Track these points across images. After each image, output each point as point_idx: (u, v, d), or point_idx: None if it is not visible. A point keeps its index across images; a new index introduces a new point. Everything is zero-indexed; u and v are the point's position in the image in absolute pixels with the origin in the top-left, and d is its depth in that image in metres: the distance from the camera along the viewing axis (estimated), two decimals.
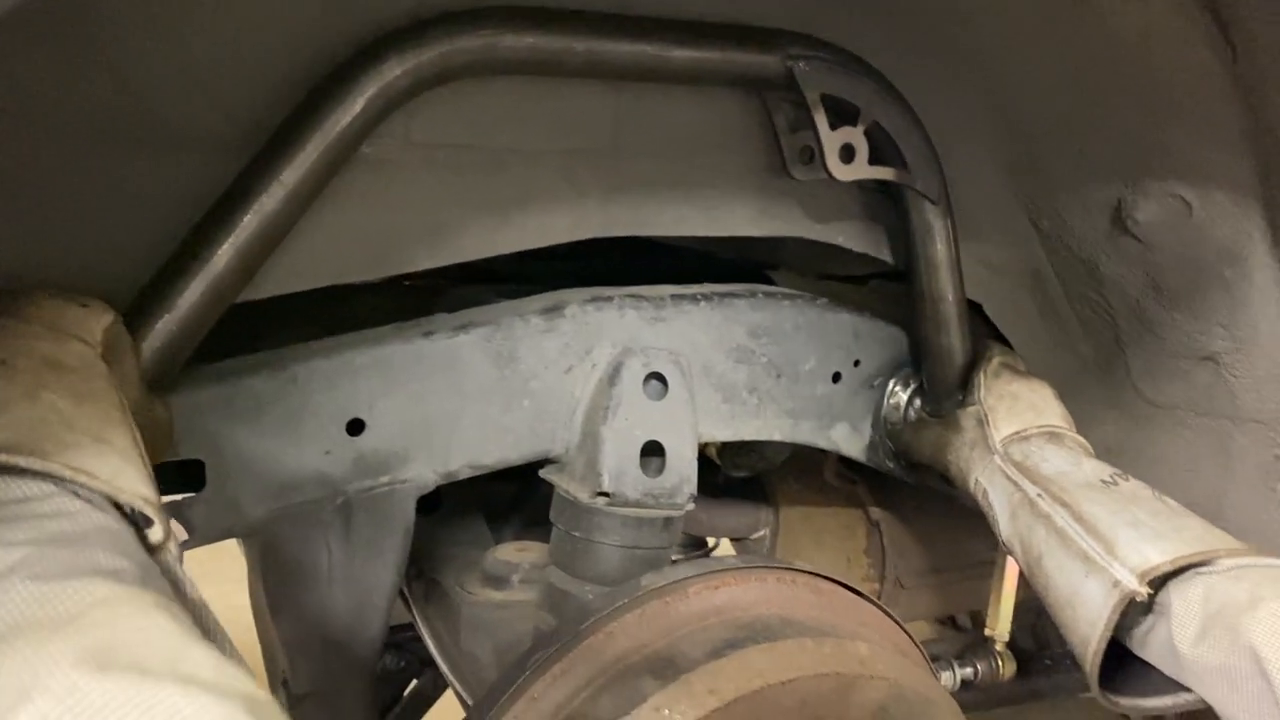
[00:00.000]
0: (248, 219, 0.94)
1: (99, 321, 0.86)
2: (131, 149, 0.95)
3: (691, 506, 1.22)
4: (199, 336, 0.96)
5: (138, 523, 0.69)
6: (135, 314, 0.93)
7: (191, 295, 0.93)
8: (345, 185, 1.03)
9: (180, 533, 0.72)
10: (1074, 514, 1.14)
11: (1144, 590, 1.05)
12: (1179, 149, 1.26)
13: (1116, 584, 1.06)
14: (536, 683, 0.93)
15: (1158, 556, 1.06)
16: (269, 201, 0.94)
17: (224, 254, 0.94)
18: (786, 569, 1.07)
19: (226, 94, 0.97)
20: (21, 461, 0.65)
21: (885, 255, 1.37)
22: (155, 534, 0.69)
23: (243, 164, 0.98)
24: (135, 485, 0.69)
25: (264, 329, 1.20)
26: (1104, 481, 1.18)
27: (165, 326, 0.93)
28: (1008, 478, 1.23)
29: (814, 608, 1.04)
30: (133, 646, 0.50)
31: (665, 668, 0.91)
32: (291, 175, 0.95)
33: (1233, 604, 0.98)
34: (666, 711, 0.86)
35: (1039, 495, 1.18)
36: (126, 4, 0.88)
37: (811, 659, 0.92)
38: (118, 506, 0.68)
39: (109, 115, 0.92)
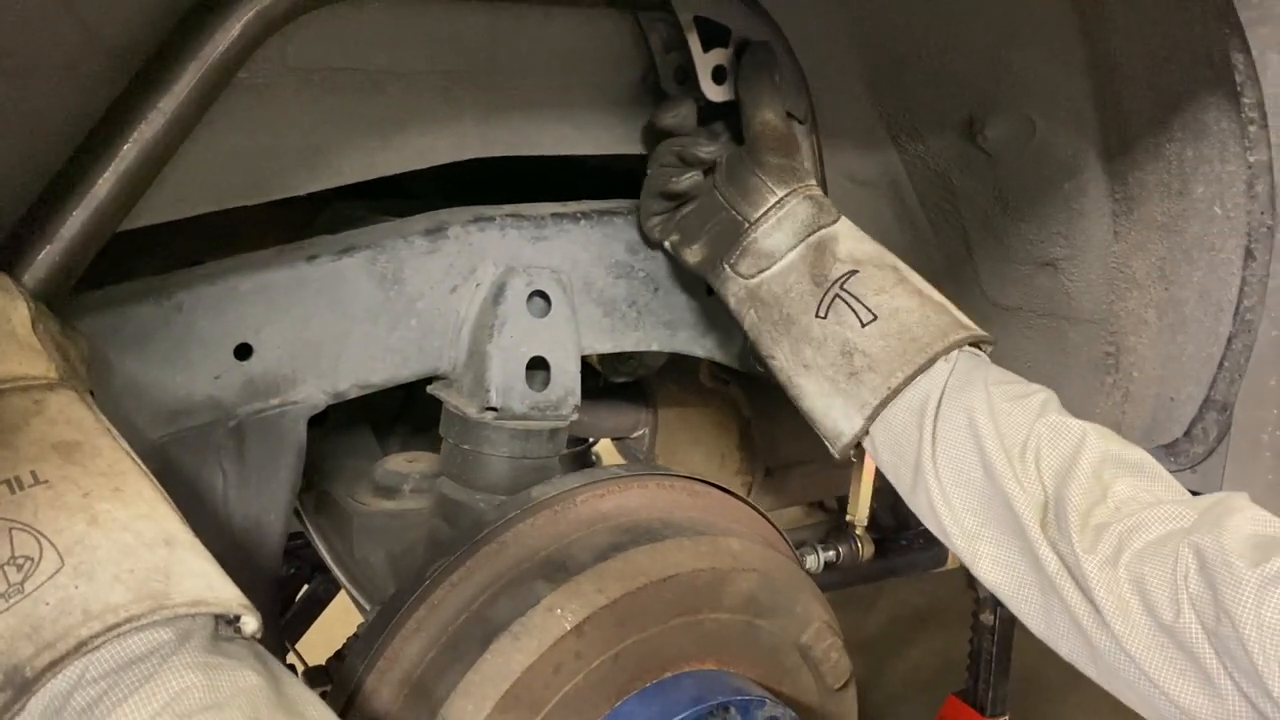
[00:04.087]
0: (127, 148, 0.94)
1: (20, 319, 0.87)
2: None
3: (576, 417, 1.29)
4: (82, 267, 0.96)
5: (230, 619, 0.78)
6: (13, 245, 0.93)
7: (73, 226, 0.93)
8: (223, 110, 1.03)
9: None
10: None
11: None
12: (1025, 71, 1.35)
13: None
14: (437, 590, 1.00)
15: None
16: (148, 129, 0.94)
17: (105, 183, 0.94)
18: (666, 475, 1.15)
19: (94, 18, 0.95)
20: (156, 618, 0.73)
21: None
22: (250, 625, 0.78)
23: (115, 91, 0.97)
24: (228, 590, 0.78)
25: (144, 249, 1.19)
26: None
27: (47, 258, 0.93)
28: None
29: (691, 509, 1.13)
30: None
31: (557, 571, 0.98)
32: (170, 103, 0.95)
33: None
34: (559, 611, 0.94)
35: None
36: None
37: (689, 556, 1.01)
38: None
39: None
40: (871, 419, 1.12)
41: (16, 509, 0.76)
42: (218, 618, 0.77)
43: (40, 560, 0.74)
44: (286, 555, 2.02)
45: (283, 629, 2.08)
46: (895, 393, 1.11)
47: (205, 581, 0.78)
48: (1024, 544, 0.99)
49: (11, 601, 0.72)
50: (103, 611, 0.72)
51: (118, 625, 0.71)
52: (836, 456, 1.17)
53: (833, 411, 1.15)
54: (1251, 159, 1.21)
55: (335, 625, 2.30)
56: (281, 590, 2.08)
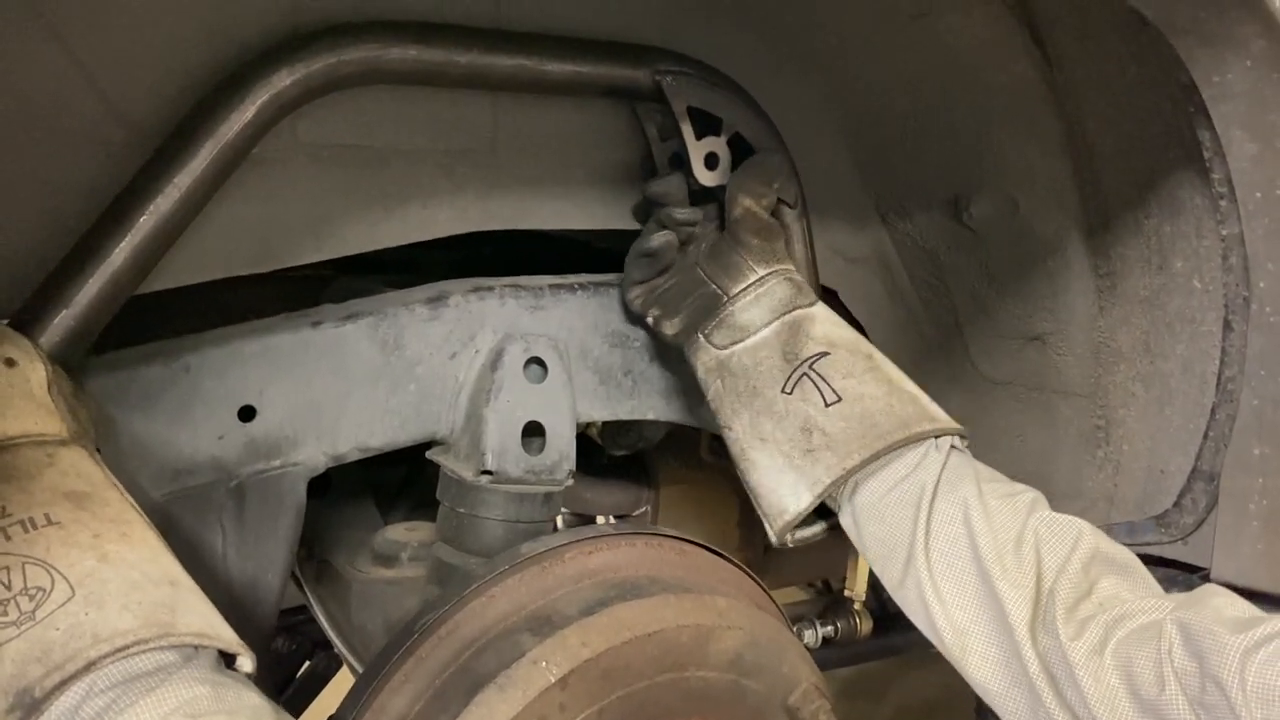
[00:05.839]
0: (144, 219, 0.99)
1: (38, 381, 0.93)
2: (22, 145, 0.99)
3: (570, 482, 1.31)
4: (96, 331, 1.01)
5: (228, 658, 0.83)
6: (33, 309, 0.97)
7: (89, 291, 0.98)
8: (235, 183, 1.09)
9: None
10: None
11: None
12: (1006, 151, 1.40)
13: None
14: (424, 644, 1.01)
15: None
16: (164, 202, 1.00)
17: (121, 252, 0.99)
18: (654, 534, 1.17)
19: (115, 92, 1.01)
20: (163, 644, 0.77)
21: None
22: (246, 665, 0.83)
23: (135, 163, 1.03)
24: (227, 631, 0.82)
25: (155, 319, 1.24)
26: None
27: (63, 321, 0.98)
28: None
29: (678, 568, 1.14)
30: None
31: (542, 625, 1.00)
32: (186, 178, 1.01)
33: None
34: (544, 664, 0.95)
35: None
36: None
37: (674, 612, 1.03)
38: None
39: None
40: (820, 497, 1.14)
41: (29, 546, 0.80)
42: (219, 652, 0.81)
43: (52, 590, 0.77)
44: (288, 631, 2.03)
45: (283, 705, 2.06)
46: (849, 474, 1.13)
47: (206, 620, 0.82)
48: (1012, 643, 1.00)
49: (23, 628, 0.75)
50: (111, 635, 0.75)
51: (126, 648, 0.75)
52: (774, 539, 1.17)
53: (781, 488, 1.16)
54: (1224, 233, 1.25)
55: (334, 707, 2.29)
56: (282, 666, 2.08)
